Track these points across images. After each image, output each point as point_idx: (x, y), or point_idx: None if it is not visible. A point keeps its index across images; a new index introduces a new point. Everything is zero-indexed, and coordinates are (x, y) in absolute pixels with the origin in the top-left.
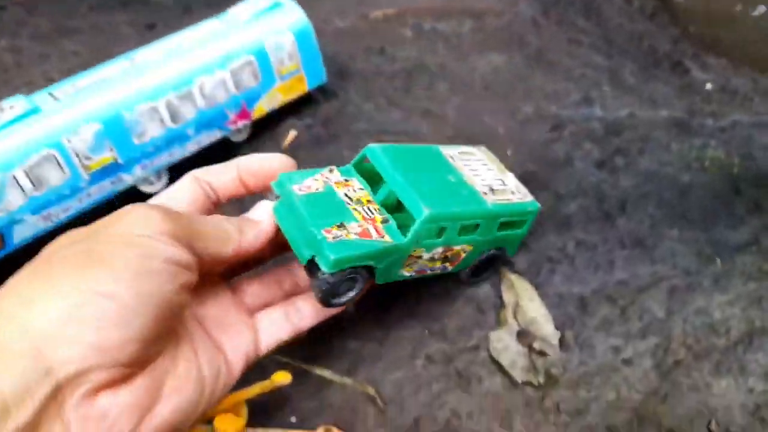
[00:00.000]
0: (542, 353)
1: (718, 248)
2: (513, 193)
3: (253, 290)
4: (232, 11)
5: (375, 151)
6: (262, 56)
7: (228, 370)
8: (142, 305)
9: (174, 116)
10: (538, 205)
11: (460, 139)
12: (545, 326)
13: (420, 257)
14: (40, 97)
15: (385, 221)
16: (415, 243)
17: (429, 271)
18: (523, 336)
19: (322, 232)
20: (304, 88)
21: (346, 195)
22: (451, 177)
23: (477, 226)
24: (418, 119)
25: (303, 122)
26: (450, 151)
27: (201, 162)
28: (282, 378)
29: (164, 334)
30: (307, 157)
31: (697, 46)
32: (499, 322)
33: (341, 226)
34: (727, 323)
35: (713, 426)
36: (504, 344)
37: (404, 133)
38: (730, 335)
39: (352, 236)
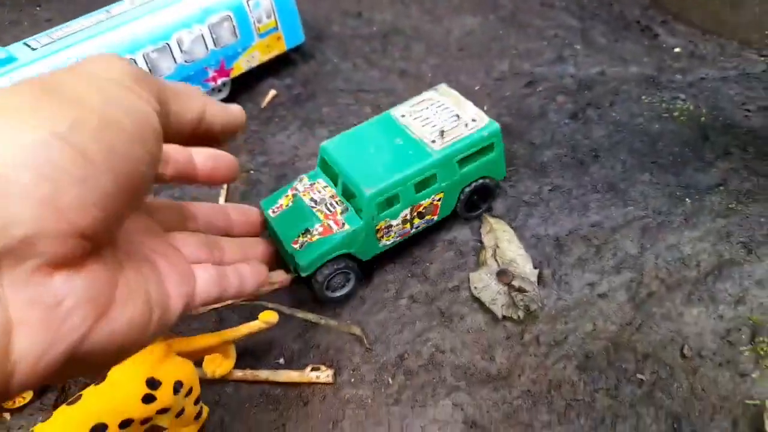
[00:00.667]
0: (521, 290)
1: (688, 190)
2: (468, 125)
3: (191, 244)
4: None
5: (326, 148)
6: (240, 12)
7: (170, 306)
8: (107, 162)
9: (153, 70)
10: (497, 125)
11: None
12: (524, 265)
13: (390, 226)
14: (16, 47)
15: (344, 211)
16: (373, 219)
17: (414, 230)
18: (503, 275)
19: (292, 244)
20: (282, 47)
21: (312, 199)
22: (399, 140)
23: (433, 176)
24: (395, 78)
25: (282, 82)
26: (404, 109)
27: None
28: (269, 317)
29: (126, 211)
30: (287, 114)
31: (665, 14)
32: (479, 264)
33: (306, 232)
34: (698, 257)
35: (686, 350)
36: (484, 283)
37: (382, 91)
38: (701, 267)
39: (316, 238)
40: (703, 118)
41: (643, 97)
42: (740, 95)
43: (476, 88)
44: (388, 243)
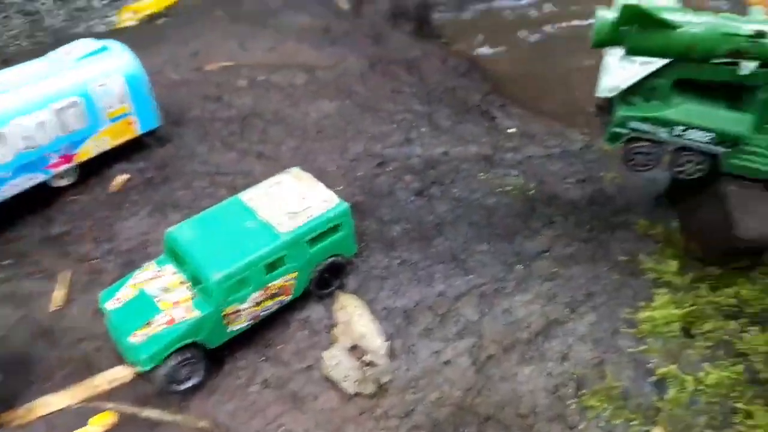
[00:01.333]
0: (372, 364)
1: (520, 257)
2: (317, 206)
3: None
4: (58, 53)
5: (172, 234)
6: (88, 98)
7: None
8: None
9: None
10: (346, 205)
11: None
12: (374, 339)
13: (239, 311)
14: None
15: (192, 297)
16: (222, 305)
17: (264, 313)
18: (354, 351)
19: (130, 339)
20: (134, 131)
21: (158, 288)
22: (248, 223)
23: (283, 257)
24: (252, 160)
25: (135, 166)
26: (254, 192)
27: (18, 206)
28: (103, 419)
29: None
30: (139, 199)
31: (504, 99)
32: (332, 341)
33: (148, 324)
34: (529, 319)
35: (522, 409)
36: (336, 360)
37: (239, 173)
38: (531, 329)
39: (160, 328)
40: (531, 192)
41: (481, 174)
42: (562, 170)
43: (332, 168)
44: (238, 328)
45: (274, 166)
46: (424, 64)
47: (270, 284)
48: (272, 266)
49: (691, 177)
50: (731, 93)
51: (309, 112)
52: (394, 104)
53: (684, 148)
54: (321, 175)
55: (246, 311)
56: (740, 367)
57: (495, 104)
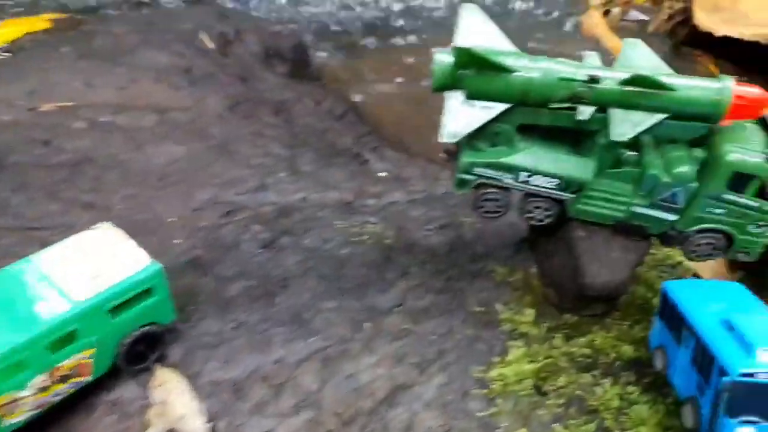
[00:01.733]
0: None
1: (370, 313)
2: (121, 268)
3: None
4: None
5: None
6: None
7: None
8: None
9: None
10: (158, 266)
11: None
12: (194, 421)
13: (16, 400)
14: None
15: None
16: None
17: (56, 398)
18: None
19: None
20: None
21: None
22: (34, 291)
23: (74, 331)
24: (78, 212)
25: None
26: (50, 253)
27: None
28: None
29: None
30: None
31: (379, 141)
32: (144, 426)
33: None
34: (374, 384)
35: None
36: None
37: (60, 226)
38: (376, 396)
39: None
40: (387, 240)
41: (337, 222)
42: (424, 216)
43: (172, 219)
44: (18, 420)
45: (102, 216)
46: (295, 106)
47: (58, 365)
48: (60, 343)
49: (542, 223)
50: (576, 138)
51: (153, 157)
52: (253, 147)
53: (532, 194)
54: (157, 228)
55: (28, 399)
56: (591, 426)
57: (368, 147)
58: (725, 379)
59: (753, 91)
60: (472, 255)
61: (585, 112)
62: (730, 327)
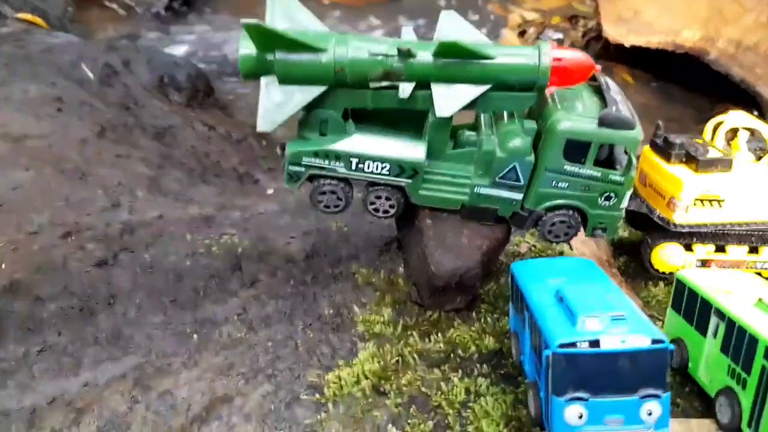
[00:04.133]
0: None
1: (201, 325)
2: None
3: None
4: None
5: None
6: None
7: None
8: None
9: None
10: None
11: None
12: None
13: None
14: None
15: None
16: None
17: None
18: None
19: None
20: None
21: None
22: None
23: None
24: None
25: None
26: None
27: None
28: None
29: None
30: None
31: (276, 164)
32: None
33: None
34: (191, 399)
35: None
36: None
37: None
38: (190, 412)
39: None
40: (240, 249)
41: (188, 236)
42: (290, 224)
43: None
44: None
45: None
46: (183, 131)
47: None
48: None
49: (388, 215)
50: (421, 123)
51: None
52: (114, 169)
53: (372, 183)
54: None
55: None
56: (429, 425)
57: (262, 168)
58: (545, 352)
59: (572, 54)
60: (334, 259)
61: (406, 90)
62: (560, 299)
